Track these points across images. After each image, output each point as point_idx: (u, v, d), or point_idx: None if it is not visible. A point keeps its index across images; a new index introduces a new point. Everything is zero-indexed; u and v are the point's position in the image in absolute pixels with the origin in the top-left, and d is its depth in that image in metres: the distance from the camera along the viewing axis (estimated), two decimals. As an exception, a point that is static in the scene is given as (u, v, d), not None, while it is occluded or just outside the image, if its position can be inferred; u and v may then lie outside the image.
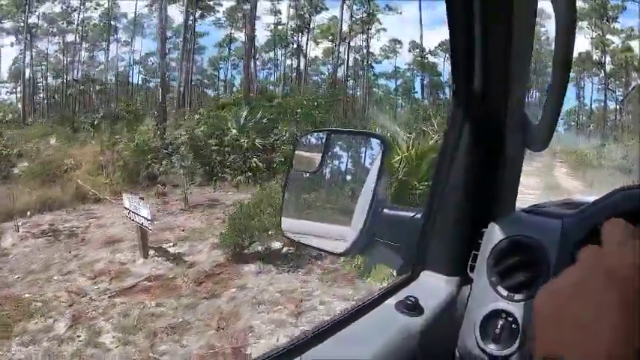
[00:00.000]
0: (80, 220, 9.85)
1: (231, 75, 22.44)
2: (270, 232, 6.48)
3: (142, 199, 7.10)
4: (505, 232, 0.79)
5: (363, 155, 1.04)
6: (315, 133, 1.20)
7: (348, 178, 1.07)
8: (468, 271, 0.81)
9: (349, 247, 0.91)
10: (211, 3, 22.08)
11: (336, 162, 1.06)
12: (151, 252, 7.30)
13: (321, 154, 0.98)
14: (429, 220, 0.86)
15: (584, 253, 0.43)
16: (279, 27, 22.13)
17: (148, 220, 6.76)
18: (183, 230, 8.34)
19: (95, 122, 14.59)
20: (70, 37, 20.45)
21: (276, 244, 6.75)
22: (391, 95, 22.05)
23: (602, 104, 18.84)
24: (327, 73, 21.50)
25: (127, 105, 15.79)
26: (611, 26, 18.87)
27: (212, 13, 22.18)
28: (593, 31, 18.93)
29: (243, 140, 11.70)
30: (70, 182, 11.87)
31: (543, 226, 0.78)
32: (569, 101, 19.25)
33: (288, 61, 22.14)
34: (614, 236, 0.43)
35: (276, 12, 22.06)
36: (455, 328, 0.78)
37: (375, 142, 0.96)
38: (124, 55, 20.94)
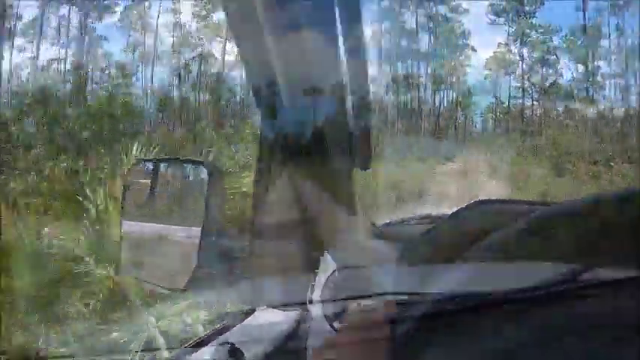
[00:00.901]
0: None
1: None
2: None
3: None
4: (338, 261, 0.76)
5: (192, 184, 0.98)
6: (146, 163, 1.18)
7: (176, 209, 1.01)
8: (307, 303, 0.77)
9: (186, 283, 0.85)
10: (107, 2, 19.81)
11: (165, 193, 1.01)
12: None
13: (149, 185, 0.96)
14: (258, 249, 0.83)
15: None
16: (180, 27, 20.11)
17: None
18: None
19: None
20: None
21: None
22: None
23: (520, 101, 18.37)
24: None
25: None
26: (529, 22, 18.60)
27: (111, 13, 19.96)
28: (510, 27, 18.62)
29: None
30: None
31: (379, 252, 0.75)
32: (487, 98, 18.79)
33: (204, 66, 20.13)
34: (347, 327, 0.41)
35: (175, 11, 20.00)
36: None
37: (202, 170, 0.92)
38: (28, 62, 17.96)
